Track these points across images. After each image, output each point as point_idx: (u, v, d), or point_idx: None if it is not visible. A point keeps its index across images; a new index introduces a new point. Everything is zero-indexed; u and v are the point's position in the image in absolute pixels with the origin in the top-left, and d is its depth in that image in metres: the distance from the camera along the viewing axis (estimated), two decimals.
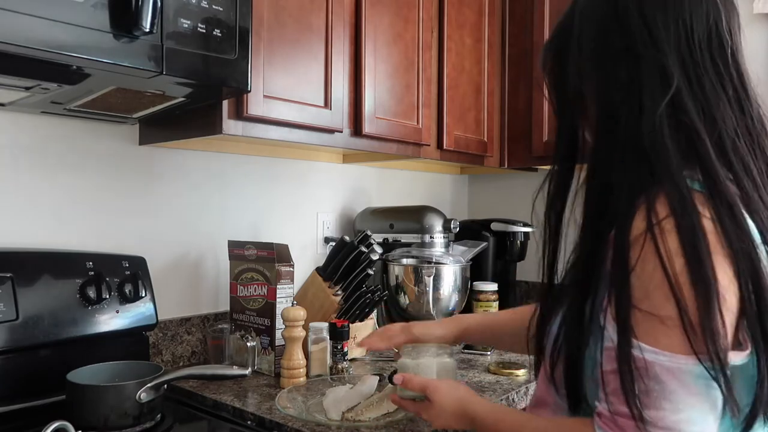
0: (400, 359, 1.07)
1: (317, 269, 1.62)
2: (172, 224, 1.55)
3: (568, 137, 0.86)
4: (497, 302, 1.99)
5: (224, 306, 1.61)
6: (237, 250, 1.53)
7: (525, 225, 2.13)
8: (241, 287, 1.50)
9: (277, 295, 1.43)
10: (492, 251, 2.13)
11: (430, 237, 1.85)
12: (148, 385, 1.10)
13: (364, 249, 1.57)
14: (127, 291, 1.31)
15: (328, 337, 1.42)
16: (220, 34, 1.08)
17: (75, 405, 1.08)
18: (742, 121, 0.75)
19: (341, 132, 1.50)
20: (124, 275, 1.33)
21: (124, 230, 1.45)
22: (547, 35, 1.95)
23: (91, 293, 1.25)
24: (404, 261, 1.83)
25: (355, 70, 1.54)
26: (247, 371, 1.20)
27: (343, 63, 1.49)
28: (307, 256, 1.85)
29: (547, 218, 0.86)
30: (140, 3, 0.92)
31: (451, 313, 1.84)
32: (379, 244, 1.69)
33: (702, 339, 0.64)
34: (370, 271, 1.57)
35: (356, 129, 1.55)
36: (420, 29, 1.71)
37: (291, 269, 1.47)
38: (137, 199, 1.48)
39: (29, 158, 1.30)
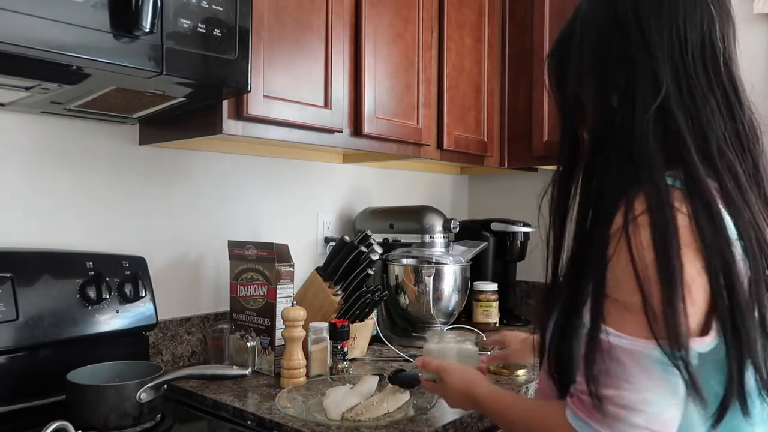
0: (425, 344, 1.16)
1: (317, 269, 1.62)
2: (172, 224, 1.55)
3: (570, 140, 0.90)
4: (497, 302, 1.99)
5: (224, 306, 1.61)
6: (237, 250, 1.53)
7: (525, 225, 2.12)
8: (241, 287, 1.50)
9: (277, 295, 1.43)
10: (492, 251, 2.13)
11: (430, 237, 1.85)
12: (148, 385, 1.10)
13: (364, 249, 1.57)
14: (127, 291, 1.31)
15: (328, 337, 1.42)
16: (220, 34, 1.08)
17: (75, 405, 1.08)
18: (731, 126, 0.77)
19: (341, 132, 1.50)
20: (124, 275, 1.33)
21: (124, 230, 1.45)
22: (547, 35, 1.95)
23: (91, 293, 1.25)
24: (404, 261, 1.83)
25: (355, 70, 1.54)
26: (247, 371, 1.20)
27: (343, 63, 1.49)
28: (307, 256, 1.85)
29: (551, 219, 0.89)
30: (140, 3, 0.92)
31: (451, 313, 1.84)
32: (379, 244, 1.69)
33: (663, 326, 0.68)
34: (370, 271, 1.57)
35: (356, 129, 1.55)
36: (420, 29, 1.71)
37: (291, 269, 1.47)
38: (137, 199, 1.48)
39: (29, 158, 1.31)
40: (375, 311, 1.71)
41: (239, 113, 1.26)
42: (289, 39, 1.35)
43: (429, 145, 1.78)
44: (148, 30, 0.93)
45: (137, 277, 1.34)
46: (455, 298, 1.83)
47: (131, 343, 1.35)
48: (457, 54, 1.87)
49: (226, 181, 1.66)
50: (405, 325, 1.88)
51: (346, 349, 1.41)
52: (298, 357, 1.35)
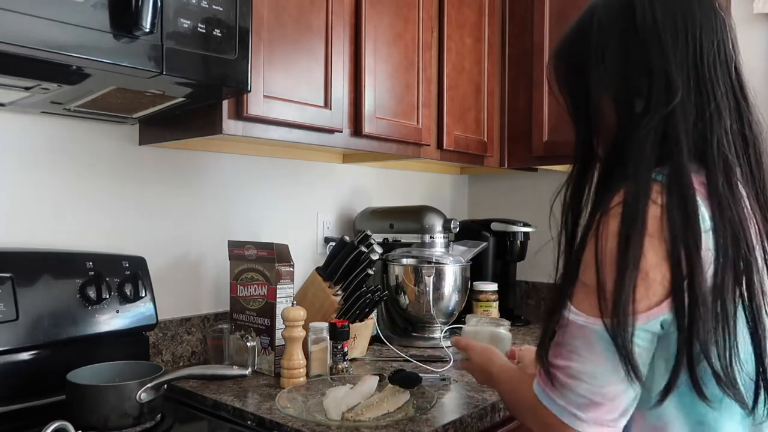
0: (464, 327, 1.25)
1: (317, 269, 1.62)
2: (172, 224, 1.55)
3: (584, 141, 0.92)
4: (497, 302, 1.99)
5: (224, 306, 1.61)
6: (237, 250, 1.53)
7: (525, 225, 2.12)
8: (241, 287, 1.50)
9: (277, 295, 1.43)
10: (492, 251, 2.13)
11: (430, 237, 1.85)
12: (148, 385, 1.10)
13: (364, 249, 1.57)
14: (127, 291, 1.31)
15: (328, 337, 1.42)
16: (220, 34, 1.08)
17: (75, 405, 1.08)
18: (738, 128, 0.81)
19: (341, 132, 1.50)
20: (124, 275, 1.33)
21: (124, 230, 1.45)
22: (547, 35, 1.95)
23: (91, 293, 1.25)
24: (404, 261, 1.83)
25: (355, 70, 1.54)
26: (247, 371, 1.20)
27: (343, 63, 1.49)
28: (307, 256, 1.85)
29: (563, 219, 0.91)
30: (140, 3, 0.92)
31: (451, 313, 1.84)
32: (379, 244, 1.69)
33: (611, 306, 0.73)
34: (370, 271, 1.58)
35: (356, 129, 1.55)
36: (420, 29, 1.71)
37: (291, 269, 1.47)
38: (137, 199, 1.48)
39: (29, 158, 1.31)
40: (375, 311, 1.71)
41: (239, 113, 1.26)
42: (289, 39, 1.35)
43: (429, 145, 1.78)
44: (148, 30, 0.93)
45: (137, 277, 1.34)
46: (455, 298, 1.83)
47: (131, 343, 1.35)
48: (457, 54, 1.87)
49: (226, 181, 1.66)
50: (405, 325, 1.88)
51: (346, 349, 1.41)
52: (298, 357, 1.35)
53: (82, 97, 1.15)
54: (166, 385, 1.15)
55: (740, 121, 0.81)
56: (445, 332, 1.79)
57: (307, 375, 1.39)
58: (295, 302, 1.41)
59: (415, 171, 2.27)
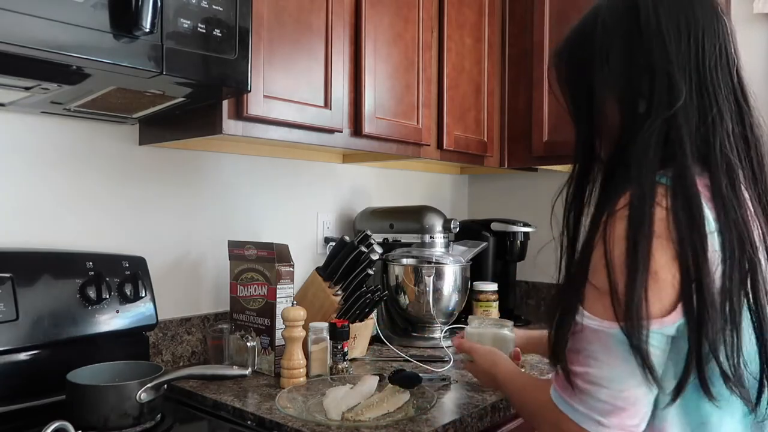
0: (466, 327, 1.25)
1: (317, 269, 1.62)
2: (172, 224, 1.55)
3: (585, 141, 0.92)
4: (497, 302, 1.99)
5: (224, 306, 1.61)
6: (237, 250, 1.53)
7: (525, 225, 2.12)
8: (241, 287, 1.50)
9: (277, 295, 1.43)
10: (492, 251, 2.13)
11: (430, 237, 1.85)
12: (148, 385, 1.10)
13: (364, 249, 1.57)
14: (127, 291, 1.31)
15: (328, 337, 1.42)
16: (220, 34, 1.08)
17: (75, 405, 1.08)
18: (740, 130, 0.82)
19: (341, 132, 1.50)
20: (124, 275, 1.33)
21: (124, 230, 1.45)
22: (547, 35, 1.95)
23: (91, 293, 1.25)
24: (404, 261, 1.83)
25: (355, 70, 1.54)
26: (247, 371, 1.20)
27: (343, 63, 1.49)
28: (307, 256, 1.85)
29: (565, 219, 0.91)
30: (140, 3, 0.92)
31: (451, 313, 1.84)
32: (379, 244, 1.69)
33: (625, 309, 0.73)
34: (370, 271, 1.57)
35: (356, 129, 1.55)
36: (420, 29, 1.71)
37: (291, 269, 1.47)
38: (137, 199, 1.48)
39: (29, 158, 1.30)
40: (375, 311, 1.71)
41: (239, 113, 1.26)
42: (289, 39, 1.35)
43: (429, 145, 1.78)
44: (148, 30, 0.93)
45: (137, 277, 1.34)
46: (455, 298, 1.83)
47: (131, 343, 1.35)
48: (457, 54, 1.87)
49: (226, 181, 1.66)
50: (405, 325, 1.88)
51: (346, 349, 1.41)
52: (298, 357, 1.35)
53: (82, 97, 1.15)
54: (166, 385, 1.15)
55: (742, 123, 0.82)
56: (445, 332, 1.79)
57: (307, 375, 1.39)
58: (295, 302, 1.41)
59: (415, 171, 2.27)
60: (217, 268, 1.64)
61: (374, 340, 1.73)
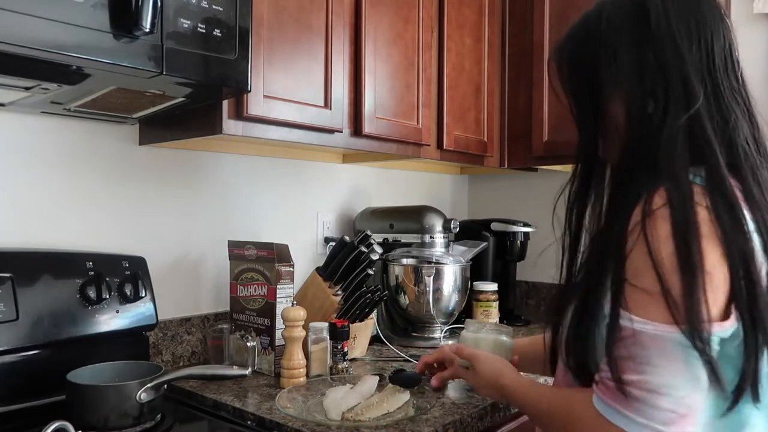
0: (463, 332, 1.19)
1: (317, 269, 1.62)
2: (172, 224, 1.55)
3: (588, 141, 0.90)
4: (497, 302, 1.99)
5: (224, 306, 1.61)
6: (237, 250, 1.53)
7: (525, 225, 2.12)
8: (241, 287, 1.50)
9: (277, 295, 1.43)
10: (492, 251, 2.13)
11: (430, 237, 1.85)
12: (148, 385, 1.10)
13: (364, 249, 1.57)
14: (127, 291, 1.31)
15: (328, 337, 1.42)
16: (220, 34, 1.08)
17: (75, 405, 1.08)
18: (750, 131, 0.82)
19: (341, 132, 1.50)
20: (124, 275, 1.33)
21: (124, 230, 1.45)
22: (547, 35, 1.95)
23: (91, 293, 1.25)
24: (404, 261, 1.83)
25: (355, 70, 1.54)
26: (247, 371, 1.20)
27: (343, 63, 1.49)
28: (307, 256, 1.85)
29: (567, 218, 0.90)
30: (140, 3, 0.92)
31: (451, 313, 1.84)
32: (379, 244, 1.69)
33: (684, 313, 0.71)
34: (370, 271, 1.57)
35: (356, 129, 1.55)
36: (420, 29, 1.71)
37: (291, 269, 1.47)
38: (137, 199, 1.48)
39: (29, 158, 1.30)
40: (375, 311, 1.71)
41: (239, 113, 1.26)
42: (289, 39, 1.35)
43: (429, 145, 1.78)
44: (148, 30, 0.93)
45: (137, 277, 1.34)
46: (455, 298, 1.83)
47: (131, 343, 1.35)
48: (457, 54, 1.87)
49: (226, 181, 1.66)
50: (405, 325, 1.88)
51: (346, 349, 1.41)
52: (298, 357, 1.35)
53: (82, 97, 1.15)
54: (166, 385, 1.15)
55: (752, 124, 0.83)
56: (445, 332, 1.79)
57: (307, 375, 1.39)
58: (295, 302, 1.41)
59: (415, 171, 2.27)
60: (217, 268, 1.64)
61: (374, 340, 1.73)
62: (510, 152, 2.07)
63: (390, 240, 1.88)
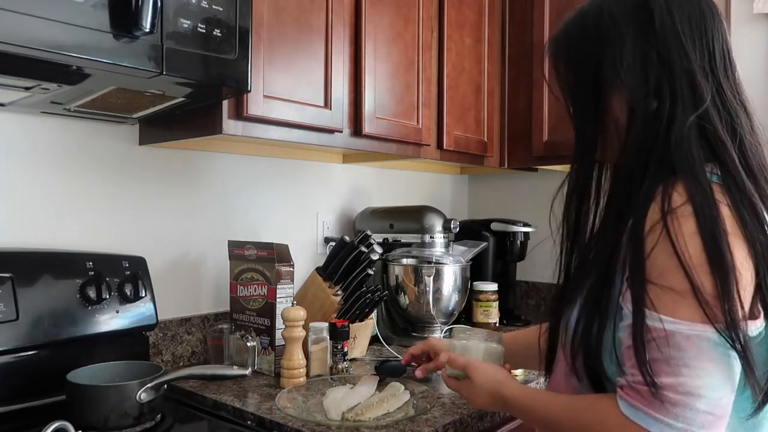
0: (451, 340, 1.13)
1: (317, 269, 1.62)
2: (172, 224, 1.55)
3: (588, 138, 0.89)
4: (497, 302, 1.99)
5: (224, 306, 1.61)
6: (237, 250, 1.53)
7: (525, 225, 2.12)
8: (241, 287, 1.50)
9: (277, 295, 1.43)
10: (492, 251, 2.13)
11: (430, 237, 1.85)
12: (148, 385, 1.10)
13: (364, 249, 1.57)
14: (127, 291, 1.31)
15: (328, 337, 1.42)
16: (220, 34, 1.08)
17: (75, 405, 1.08)
18: (751, 130, 0.82)
19: (341, 132, 1.50)
20: (124, 275, 1.33)
21: (124, 230, 1.45)
22: (547, 35, 1.95)
23: (91, 293, 1.25)
24: (404, 261, 1.83)
25: (355, 70, 1.54)
26: (247, 371, 1.20)
27: (343, 63, 1.49)
28: (307, 256, 1.85)
29: (565, 217, 0.89)
30: (140, 3, 0.92)
31: (451, 313, 1.84)
32: (379, 244, 1.69)
33: (719, 311, 0.69)
34: (370, 271, 1.57)
35: (356, 129, 1.55)
36: (420, 29, 1.71)
37: (291, 269, 1.47)
38: (137, 199, 1.48)
39: (29, 158, 1.30)
40: (375, 311, 1.71)
41: (239, 113, 1.26)
42: (289, 39, 1.35)
43: (429, 145, 1.78)
44: (148, 30, 0.93)
45: (137, 277, 1.34)
46: (455, 298, 1.83)
47: (131, 343, 1.35)
48: (457, 54, 1.87)
49: (226, 181, 1.66)
50: (405, 325, 1.88)
51: (346, 349, 1.41)
52: (298, 357, 1.35)
53: (82, 97, 1.15)
54: (166, 385, 1.15)
55: (751, 127, 0.83)
56: (445, 332, 1.79)
57: (307, 375, 1.39)
58: (295, 302, 1.41)
59: (415, 171, 2.27)
60: (217, 268, 1.64)
61: (374, 340, 1.73)
62: (510, 152, 2.07)
63: (390, 240, 1.88)
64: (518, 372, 1.46)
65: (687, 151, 0.77)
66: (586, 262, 0.85)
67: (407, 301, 1.81)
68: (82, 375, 1.13)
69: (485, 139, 1.99)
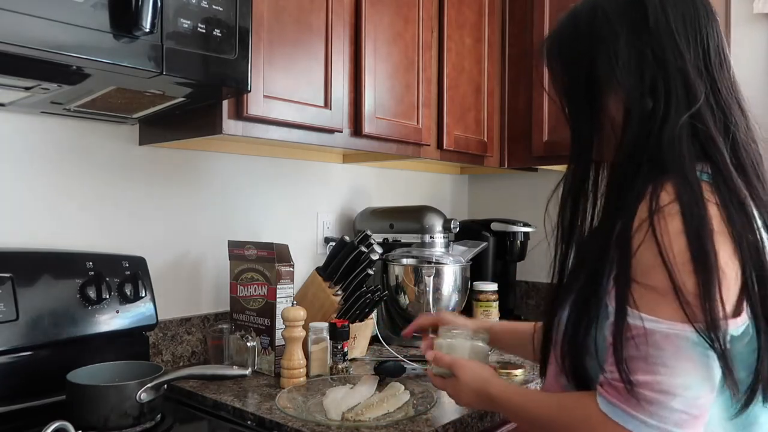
0: (437, 339, 1.12)
1: (317, 269, 1.62)
2: (172, 224, 1.55)
3: (584, 137, 0.89)
4: (497, 302, 1.99)
5: (224, 306, 1.61)
6: (237, 250, 1.53)
7: (525, 225, 2.12)
8: (241, 287, 1.50)
9: (277, 295, 1.43)
10: (492, 251, 2.13)
11: (430, 237, 1.85)
12: (148, 385, 1.10)
13: (364, 249, 1.57)
14: (127, 291, 1.31)
15: (328, 337, 1.42)
16: (220, 34, 1.08)
17: (75, 405, 1.08)
18: (746, 128, 0.82)
19: (341, 132, 1.50)
20: (124, 275, 1.33)
21: (124, 230, 1.45)
22: (547, 35, 1.94)
23: (91, 293, 1.25)
24: (404, 261, 1.83)
25: (355, 70, 1.54)
26: (247, 371, 1.20)
27: (343, 63, 1.49)
28: (307, 256, 1.85)
29: (560, 218, 0.89)
30: (140, 3, 0.92)
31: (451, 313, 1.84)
32: (379, 244, 1.69)
33: (699, 310, 0.69)
34: (370, 271, 1.57)
35: (356, 129, 1.55)
36: (420, 29, 1.71)
37: (291, 269, 1.47)
38: (137, 199, 1.48)
39: (29, 158, 1.30)
40: (375, 311, 1.71)
41: (239, 113, 1.26)
42: (289, 39, 1.35)
43: (429, 145, 1.78)
44: (148, 30, 0.93)
45: (137, 277, 1.34)
46: (455, 298, 1.83)
47: (131, 343, 1.35)
48: (457, 54, 1.87)
49: (226, 181, 1.66)
50: (405, 325, 1.86)
51: (346, 349, 1.41)
52: (298, 357, 1.35)
53: (82, 97, 1.15)
54: (166, 385, 1.15)
55: (746, 125, 0.83)
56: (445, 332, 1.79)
57: (307, 375, 1.39)
58: (295, 302, 1.41)
59: (415, 171, 2.27)
60: (217, 268, 1.64)
61: (374, 340, 1.73)
62: (510, 152, 2.07)
63: (390, 240, 1.88)
64: (518, 372, 1.46)
65: (678, 151, 0.77)
66: (579, 262, 0.85)
67: (407, 301, 1.81)
68: (82, 375, 1.13)
69: (485, 139, 1.99)
